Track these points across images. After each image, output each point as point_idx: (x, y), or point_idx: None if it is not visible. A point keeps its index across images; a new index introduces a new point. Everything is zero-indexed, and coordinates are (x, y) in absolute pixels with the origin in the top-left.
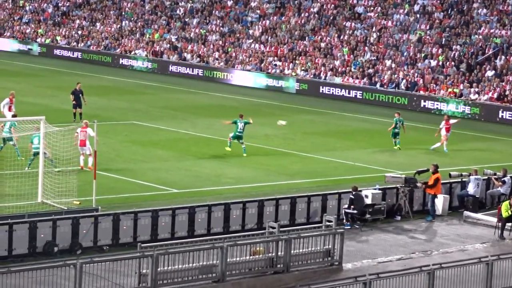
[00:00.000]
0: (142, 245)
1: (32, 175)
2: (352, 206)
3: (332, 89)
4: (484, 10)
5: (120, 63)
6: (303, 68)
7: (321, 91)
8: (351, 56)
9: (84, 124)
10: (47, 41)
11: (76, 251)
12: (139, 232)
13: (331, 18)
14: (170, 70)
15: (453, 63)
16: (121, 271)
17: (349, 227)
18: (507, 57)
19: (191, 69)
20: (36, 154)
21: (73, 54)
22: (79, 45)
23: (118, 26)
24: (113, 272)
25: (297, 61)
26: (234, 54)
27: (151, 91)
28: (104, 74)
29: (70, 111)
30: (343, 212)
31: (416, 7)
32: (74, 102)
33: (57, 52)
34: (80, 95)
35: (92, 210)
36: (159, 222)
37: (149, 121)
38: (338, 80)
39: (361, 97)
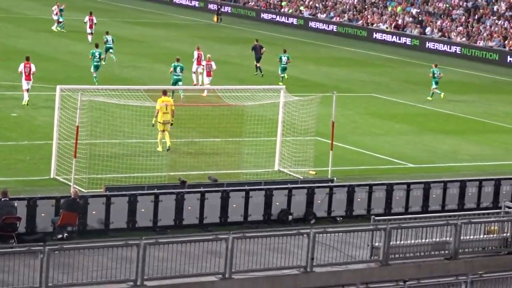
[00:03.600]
0: (376, 218)
1: (270, 143)
2: None
3: None
4: None
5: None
6: None
7: None
8: None
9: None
10: (290, 11)
11: (310, 221)
12: (373, 205)
13: None
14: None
15: None
16: (353, 242)
17: None
18: None
19: (432, 43)
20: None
21: (309, 25)
22: (321, 16)
23: None
24: (346, 243)
25: None
26: (476, 30)
27: (390, 63)
28: (344, 46)
29: (310, 81)
30: None
31: None
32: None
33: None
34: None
35: (328, 181)
36: (393, 196)
37: (388, 94)
38: None
39: None
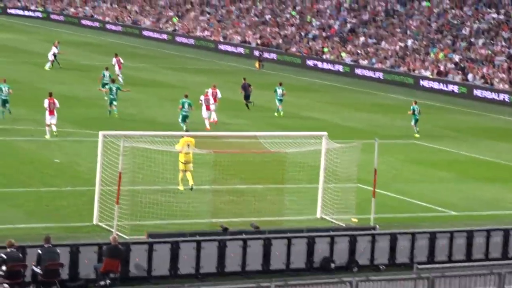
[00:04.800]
0: (419, 266)
1: (312, 190)
2: None
3: None
4: None
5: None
6: None
7: None
8: None
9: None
10: (332, 57)
11: (352, 269)
12: (416, 253)
13: None
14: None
15: None
16: None
17: None
18: None
19: (474, 89)
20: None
21: (354, 71)
22: (363, 62)
23: (403, 44)
24: None
25: None
26: None
27: (433, 110)
28: (386, 92)
29: (351, 128)
30: None
31: None
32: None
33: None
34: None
35: (370, 229)
36: (436, 244)
37: (429, 141)
38: None
39: None
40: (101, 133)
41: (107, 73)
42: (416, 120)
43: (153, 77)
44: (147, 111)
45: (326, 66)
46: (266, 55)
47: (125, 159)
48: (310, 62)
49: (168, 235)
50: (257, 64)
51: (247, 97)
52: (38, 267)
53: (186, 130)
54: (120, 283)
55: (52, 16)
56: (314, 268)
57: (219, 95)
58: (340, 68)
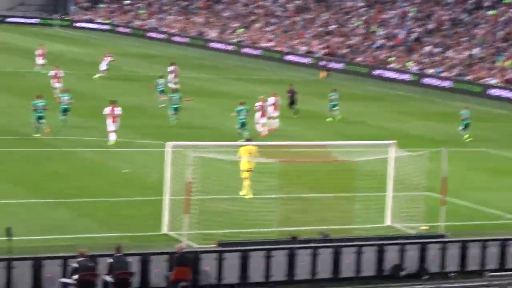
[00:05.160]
0: (490, 274)
1: (381, 198)
2: None
3: None
4: None
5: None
6: None
7: None
8: None
9: None
10: (398, 66)
11: (422, 277)
12: (487, 261)
13: None
14: None
15: None
16: None
17: None
18: None
19: None
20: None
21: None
22: (428, 71)
23: (469, 53)
24: None
25: None
26: None
27: (501, 118)
28: (453, 100)
29: (419, 136)
30: None
31: None
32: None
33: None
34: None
35: (440, 236)
36: (507, 252)
37: (500, 149)
38: None
39: None
40: (169, 143)
41: (161, 81)
42: (466, 125)
43: (217, 88)
44: (210, 121)
45: (392, 75)
46: (332, 65)
47: (193, 169)
48: (376, 72)
49: (237, 244)
50: (321, 74)
51: (291, 103)
52: (110, 276)
53: (248, 139)
54: None
55: (118, 29)
56: (384, 276)
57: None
58: (406, 77)
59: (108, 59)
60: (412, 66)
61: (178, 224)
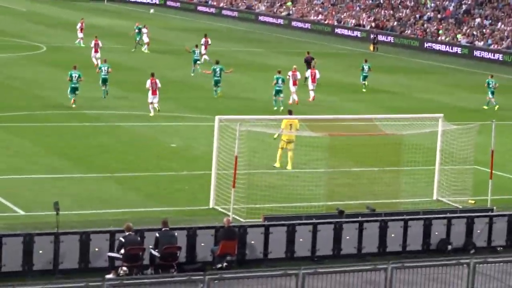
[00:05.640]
0: None
1: (428, 172)
2: None
3: None
4: None
5: None
6: None
7: None
8: None
9: None
10: (447, 39)
11: (470, 251)
12: None
13: None
14: None
15: None
16: None
17: None
18: None
19: None
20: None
21: (471, 53)
22: (478, 44)
23: None
24: (507, 273)
25: None
26: None
27: None
28: (503, 73)
29: (469, 109)
30: None
31: None
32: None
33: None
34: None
35: (487, 210)
36: None
37: None
38: None
39: None
40: (217, 117)
41: (197, 51)
42: (492, 93)
43: (265, 61)
44: (256, 94)
45: (442, 48)
46: (382, 38)
47: (240, 143)
48: (426, 44)
49: (284, 218)
50: (371, 47)
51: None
52: (156, 250)
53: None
54: (236, 266)
55: (169, 3)
56: (430, 250)
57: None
58: (457, 50)
59: (145, 30)
60: (462, 38)
61: (225, 199)
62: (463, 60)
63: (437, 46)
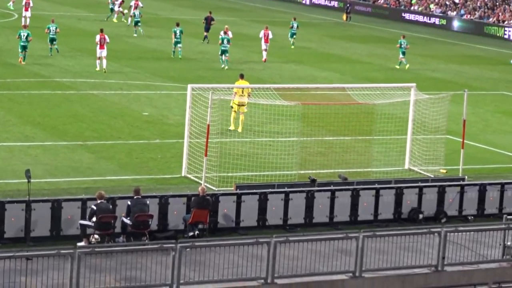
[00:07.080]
0: (508, 217)
1: (401, 141)
2: None
3: None
4: None
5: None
6: None
7: None
8: None
9: None
10: (420, 8)
11: (441, 220)
12: (505, 204)
13: None
14: None
15: None
16: (485, 242)
17: None
18: None
19: None
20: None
21: (445, 23)
22: (452, 13)
23: None
24: (477, 242)
25: None
26: None
27: None
28: (475, 43)
29: (441, 79)
30: None
31: None
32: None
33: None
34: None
35: (459, 179)
36: None
37: None
38: None
39: None
40: (189, 86)
41: (136, 12)
42: (403, 53)
43: (240, 30)
44: (232, 64)
45: (415, 17)
46: (356, 7)
47: (213, 111)
48: (398, 14)
49: (256, 187)
50: (344, 16)
51: (207, 29)
52: (128, 218)
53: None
54: (208, 234)
55: None
56: (402, 219)
57: (270, 36)
58: (432, 20)
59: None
60: (435, 8)
61: (197, 167)
62: (436, 30)
63: (409, 16)
